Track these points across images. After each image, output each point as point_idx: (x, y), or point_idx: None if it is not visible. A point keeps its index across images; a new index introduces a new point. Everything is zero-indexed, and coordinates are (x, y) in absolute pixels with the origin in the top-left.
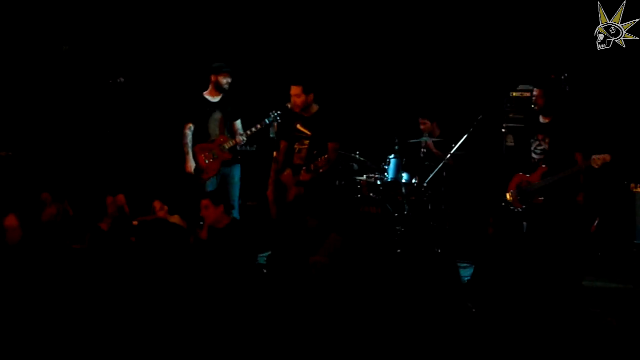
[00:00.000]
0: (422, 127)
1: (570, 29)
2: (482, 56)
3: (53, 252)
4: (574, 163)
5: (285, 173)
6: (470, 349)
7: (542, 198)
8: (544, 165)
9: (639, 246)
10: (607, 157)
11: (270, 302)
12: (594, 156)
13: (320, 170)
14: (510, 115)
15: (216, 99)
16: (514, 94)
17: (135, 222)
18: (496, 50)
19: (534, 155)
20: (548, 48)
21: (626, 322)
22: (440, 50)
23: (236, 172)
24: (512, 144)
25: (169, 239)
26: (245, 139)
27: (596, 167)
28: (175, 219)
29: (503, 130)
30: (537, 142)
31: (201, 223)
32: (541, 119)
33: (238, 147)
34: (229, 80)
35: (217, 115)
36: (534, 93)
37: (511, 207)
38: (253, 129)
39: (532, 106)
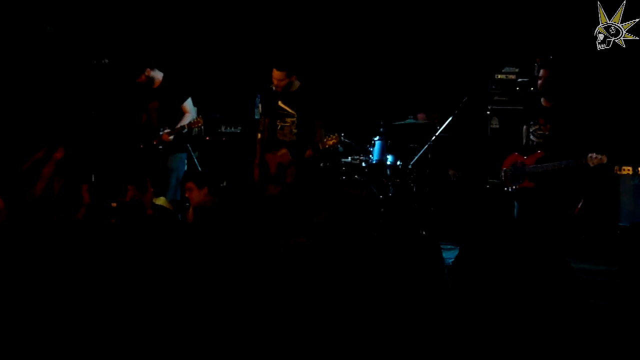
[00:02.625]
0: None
1: (570, 28)
2: (469, 38)
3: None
4: (571, 153)
5: (280, 153)
6: (453, 331)
7: (534, 183)
8: (540, 151)
9: (623, 228)
10: (604, 158)
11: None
12: (590, 154)
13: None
14: (495, 98)
15: (156, 87)
16: (499, 76)
17: (114, 205)
18: (483, 33)
19: (532, 137)
20: (544, 40)
21: (611, 305)
22: (426, 32)
23: (172, 161)
24: (497, 126)
25: (154, 221)
26: (171, 138)
27: (591, 165)
28: (161, 201)
29: (488, 112)
30: (537, 126)
31: (187, 204)
32: (543, 102)
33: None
34: (147, 76)
35: (154, 104)
36: (540, 74)
37: (502, 187)
38: (177, 128)
39: (539, 88)
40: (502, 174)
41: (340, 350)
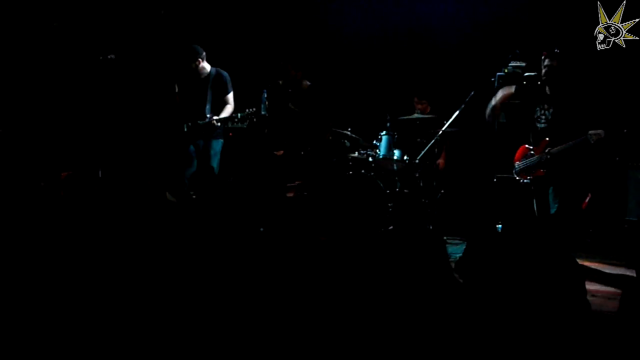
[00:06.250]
0: (418, 107)
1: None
2: (476, 33)
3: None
4: (576, 134)
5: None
6: (460, 327)
7: (544, 170)
8: (546, 138)
9: (631, 223)
10: (601, 133)
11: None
12: (590, 132)
13: None
14: None
15: (202, 76)
16: (506, 70)
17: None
18: (490, 28)
19: (538, 125)
20: (551, 35)
21: (618, 300)
22: (433, 27)
23: (215, 145)
24: (504, 120)
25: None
26: (218, 124)
27: (592, 142)
28: None
29: None
30: (542, 111)
31: (192, 194)
32: (547, 90)
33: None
34: (196, 64)
35: (199, 92)
36: (546, 62)
37: (518, 179)
38: (223, 118)
39: (543, 76)
40: (516, 167)
41: (344, 348)
